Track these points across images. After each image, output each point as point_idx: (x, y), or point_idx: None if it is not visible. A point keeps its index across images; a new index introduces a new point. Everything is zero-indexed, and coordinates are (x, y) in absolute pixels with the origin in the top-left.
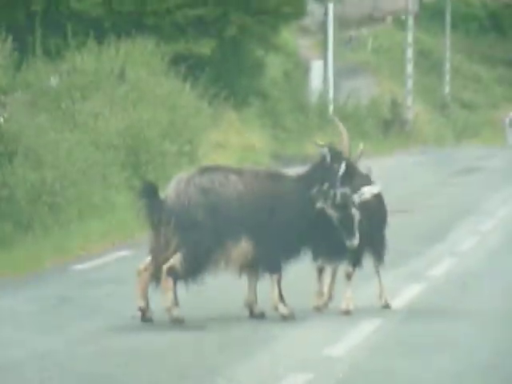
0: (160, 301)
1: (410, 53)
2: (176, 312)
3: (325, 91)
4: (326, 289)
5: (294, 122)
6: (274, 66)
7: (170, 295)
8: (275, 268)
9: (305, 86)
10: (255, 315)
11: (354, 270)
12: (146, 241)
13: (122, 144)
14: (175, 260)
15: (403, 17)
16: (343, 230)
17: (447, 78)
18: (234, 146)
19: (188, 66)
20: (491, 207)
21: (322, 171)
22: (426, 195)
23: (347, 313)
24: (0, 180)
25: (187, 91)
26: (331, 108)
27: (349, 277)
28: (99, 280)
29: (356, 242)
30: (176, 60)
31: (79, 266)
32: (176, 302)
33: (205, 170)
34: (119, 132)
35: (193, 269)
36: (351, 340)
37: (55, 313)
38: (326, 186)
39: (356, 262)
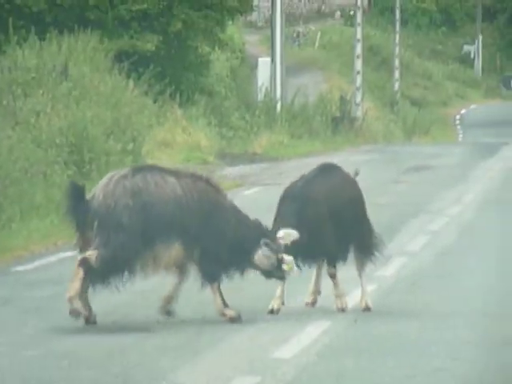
0: (67, 289)
1: (358, 49)
2: (76, 304)
3: (272, 88)
4: (310, 286)
5: (241, 120)
6: (220, 62)
7: (77, 285)
8: (214, 277)
9: (252, 83)
10: (166, 312)
11: (335, 268)
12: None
13: (64, 142)
14: (91, 254)
15: (352, 12)
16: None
17: (396, 74)
18: (180, 145)
19: (132, 63)
20: (442, 206)
21: None
22: (376, 193)
23: (344, 310)
24: None
25: (131, 88)
26: (278, 106)
27: (332, 276)
28: (41, 281)
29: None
30: (120, 56)
31: (21, 267)
32: (80, 294)
33: (139, 170)
34: (62, 130)
35: (107, 269)
36: (299, 342)
37: None
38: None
39: (333, 260)
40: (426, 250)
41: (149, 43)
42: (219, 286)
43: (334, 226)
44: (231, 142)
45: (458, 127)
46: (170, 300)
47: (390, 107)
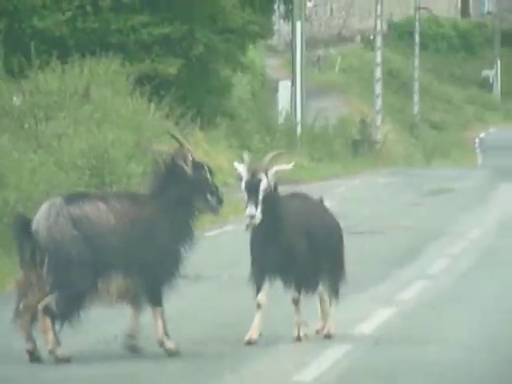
0: (43, 342)
1: (378, 72)
2: (60, 352)
3: (292, 112)
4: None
5: (261, 143)
6: (242, 85)
7: (51, 335)
8: (156, 301)
9: (272, 106)
10: (131, 348)
11: (299, 295)
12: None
13: (86, 165)
14: (50, 299)
15: (372, 36)
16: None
17: (416, 98)
18: None
19: (154, 86)
20: (462, 229)
21: (178, 181)
22: (396, 216)
23: (299, 339)
24: None
25: (152, 111)
26: (299, 129)
27: (295, 302)
28: None
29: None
30: (141, 79)
31: None
32: (58, 342)
33: (72, 199)
34: (83, 153)
35: (68, 310)
36: (320, 365)
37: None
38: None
39: (299, 287)
40: (447, 274)
41: (170, 67)
42: (163, 312)
43: (307, 250)
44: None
45: (478, 150)
46: (133, 335)
47: (409, 130)
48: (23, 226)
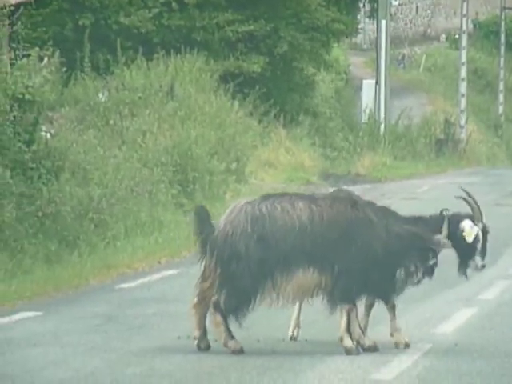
0: (214, 336)
1: (463, 72)
2: (232, 344)
3: (376, 110)
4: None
5: (345, 141)
6: (325, 83)
7: (222, 330)
8: (347, 298)
9: (356, 104)
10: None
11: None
12: (193, 260)
13: (169, 161)
14: (219, 296)
15: (457, 35)
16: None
17: (501, 97)
18: (283, 165)
19: (238, 84)
20: None
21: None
22: None
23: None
24: (46, 196)
25: (236, 109)
26: (382, 127)
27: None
28: (145, 299)
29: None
30: (225, 77)
31: (125, 285)
32: (230, 335)
33: (268, 197)
34: (167, 149)
35: (235, 306)
36: (400, 364)
37: (99, 332)
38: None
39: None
40: None
41: (255, 64)
42: (351, 311)
43: None
44: (335, 163)
45: None
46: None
47: (494, 130)
48: (202, 216)
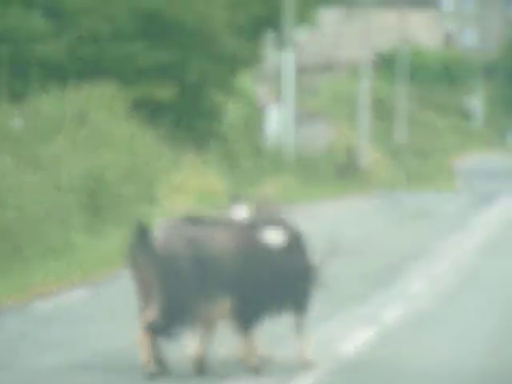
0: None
1: (364, 100)
2: (153, 367)
3: (280, 136)
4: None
5: (252, 165)
6: (233, 110)
7: (147, 351)
8: (248, 326)
9: (262, 130)
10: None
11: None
12: (104, 281)
13: (83, 186)
14: (154, 314)
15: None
16: None
17: (401, 125)
18: (194, 189)
19: (148, 110)
20: (442, 250)
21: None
22: (378, 238)
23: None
24: None
25: (148, 135)
26: (289, 152)
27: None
28: (58, 318)
29: None
30: (137, 104)
31: (38, 305)
32: (152, 357)
33: (190, 220)
34: (81, 174)
35: (170, 325)
36: (302, 383)
37: (13, 350)
38: None
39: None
40: (427, 294)
41: (165, 92)
42: (252, 335)
43: None
44: (242, 186)
45: (459, 176)
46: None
47: (394, 156)
48: (144, 233)
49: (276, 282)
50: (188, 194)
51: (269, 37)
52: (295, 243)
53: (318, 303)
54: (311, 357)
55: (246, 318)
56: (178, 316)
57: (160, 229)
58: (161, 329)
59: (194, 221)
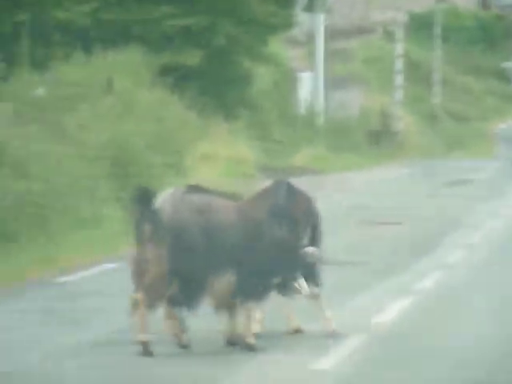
0: (165, 327)
1: (399, 64)
2: (184, 338)
3: (313, 102)
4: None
5: (283, 134)
6: (263, 76)
7: (176, 322)
8: (250, 297)
9: (293, 97)
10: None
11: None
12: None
13: (108, 156)
14: (173, 288)
15: (393, 28)
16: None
17: (436, 89)
18: (222, 158)
19: (175, 77)
20: (479, 220)
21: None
22: (415, 207)
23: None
24: None
25: (174, 102)
26: (320, 120)
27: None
28: (84, 293)
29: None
30: (163, 71)
31: (64, 279)
32: (183, 329)
33: (195, 189)
34: (106, 144)
35: (189, 296)
36: (337, 355)
37: (37, 326)
38: None
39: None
40: (464, 264)
41: (192, 58)
42: (252, 310)
43: None
44: (273, 156)
45: (497, 142)
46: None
47: (429, 122)
48: (146, 198)
49: (281, 253)
50: (216, 163)
51: (301, 1)
52: (305, 211)
53: (355, 274)
54: (336, 327)
55: (249, 290)
56: (194, 287)
57: (165, 199)
58: (180, 301)
59: (198, 190)
